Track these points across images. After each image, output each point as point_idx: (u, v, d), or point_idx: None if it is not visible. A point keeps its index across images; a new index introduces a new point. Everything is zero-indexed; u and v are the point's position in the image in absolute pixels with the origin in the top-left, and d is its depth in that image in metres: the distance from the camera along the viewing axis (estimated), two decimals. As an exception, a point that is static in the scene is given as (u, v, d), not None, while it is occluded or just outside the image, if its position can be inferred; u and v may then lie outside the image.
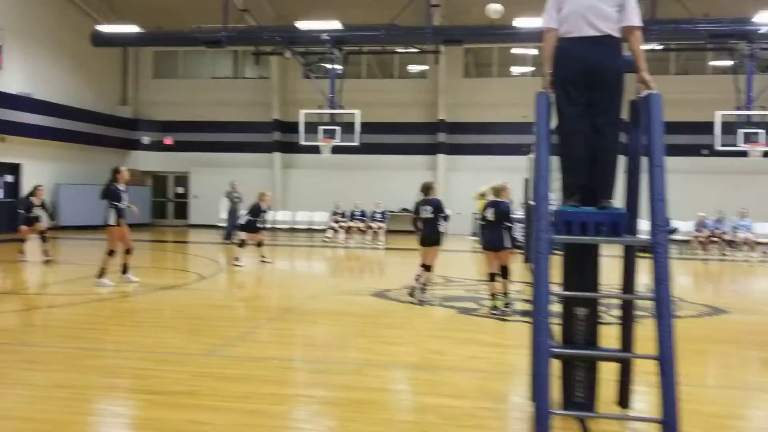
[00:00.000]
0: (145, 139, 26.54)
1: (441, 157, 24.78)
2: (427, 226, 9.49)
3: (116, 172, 10.06)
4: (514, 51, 24.85)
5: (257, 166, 25.69)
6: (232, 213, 19.80)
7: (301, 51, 22.51)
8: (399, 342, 6.86)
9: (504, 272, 8.65)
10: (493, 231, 8.64)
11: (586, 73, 4.19)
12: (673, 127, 21.49)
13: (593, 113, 4.25)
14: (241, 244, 13.63)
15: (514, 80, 25.00)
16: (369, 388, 5.22)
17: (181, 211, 27.04)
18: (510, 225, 8.55)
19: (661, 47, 21.26)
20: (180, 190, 27.27)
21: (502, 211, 8.56)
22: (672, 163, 4.43)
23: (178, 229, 25.27)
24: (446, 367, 5.89)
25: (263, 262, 13.51)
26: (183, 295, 9.85)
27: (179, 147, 26.49)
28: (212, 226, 22.62)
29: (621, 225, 4.15)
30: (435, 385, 5.34)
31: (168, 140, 26.60)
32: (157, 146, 26.61)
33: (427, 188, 9.73)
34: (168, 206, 27.69)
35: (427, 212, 9.50)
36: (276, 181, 25.47)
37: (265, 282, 11.73)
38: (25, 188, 21.78)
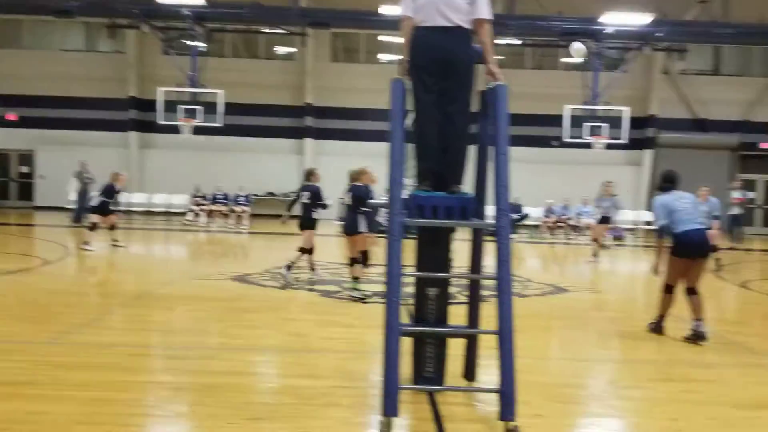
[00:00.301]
0: (-15, 114, 24.23)
1: (308, 142, 24.65)
2: (303, 211, 9.76)
3: None
4: (382, 38, 25.17)
5: (111, 146, 24.23)
6: (82, 194, 18.60)
7: (161, 26, 21.48)
8: (258, 326, 6.81)
9: (362, 257, 8.65)
10: (349, 215, 8.67)
11: (438, 62, 4.34)
12: (527, 119, 22.99)
13: (445, 101, 4.42)
14: (92, 227, 12.81)
15: (381, 67, 25.30)
16: (223, 372, 5.13)
17: (26, 192, 24.99)
18: (366, 210, 8.54)
19: (519, 42, 22.42)
20: (24, 169, 25.17)
21: (357, 195, 8.52)
22: (525, 153, 4.73)
23: (22, 212, 23.38)
24: (304, 349, 5.92)
25: (115, 246, 12.80)
26: (25, 280, 9.16)
27: (24, 123, 24.38)
28: (60, 208, 21.12)
29: (469, 209, 4.36)
30: (292, 366, 5.36)
31: (11, 115, 24.43)
32: (-2, 121, 24.39)
33: (308, 174, 10.08)
34: (10, 187, 25.48)
35: (304, 197, 9.69)
36: (132, 161, 24.17)
37: (117, 267, 11.17)
38: None
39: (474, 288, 4.77)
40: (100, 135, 24.26)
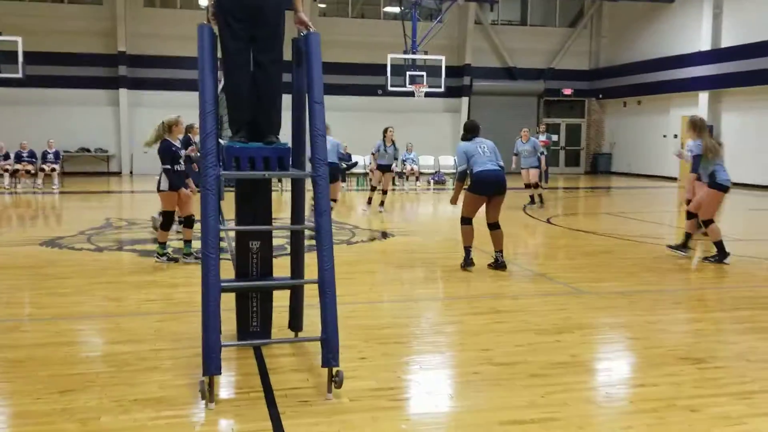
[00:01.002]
0: None
1: (123, 92, 23.04)
2: None
3: None
4: (199, -18, 23.89)
5: None
6: None
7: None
8: (69, 292, 6.35)
9: (163, 219, 7.82)
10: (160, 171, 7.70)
11: (246, 7, 4.16)
12: (353, 68, 23.16)
13: (255, 49, 4.28)
14: None
15: (200, 13, 24.02)
16: (29, 345, 4.76)
17: None
18: (168, 166, 7.55)
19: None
20: None
21: (159, 150, 7.57)
22: (351, 101, 4.71)
23: None
24: (121, 314, 5.64)
25: None
26: None
27: None
28: None
29: (287, 159, 4.31)
30: (107, 333, 5.10)
31: None
32: None
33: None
34: None
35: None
36: None
37: None
38: None
39: (296, 239, 4.77)
40: None
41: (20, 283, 6.81)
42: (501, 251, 7.38)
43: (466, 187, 7.60)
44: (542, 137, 17.73)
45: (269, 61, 4.32)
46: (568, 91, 26.70)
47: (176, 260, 7.74)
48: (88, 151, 23.01)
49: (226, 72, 4.31)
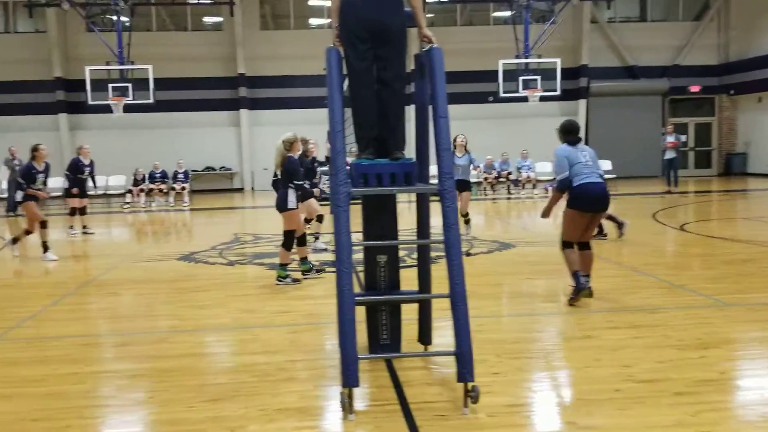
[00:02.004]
0: None
1: (244, 113, 24.22)
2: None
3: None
4: (311, 2, 24.71)
5: (40, 129, 23.21)
6: (14, 183, 17.88)
7: (81, 2, 20.58)
8: (208, 305, 6.73)
9: (286, 238, 7.67)
10: (280, 190, 7.75)
11: (370, 29, 4.29)
12: (461, 76, 23.07)
13: (380, 68, 4.39)
14: (73, 212, 12.53)
15: (312, 32, 24.91)
16: (177, 356, 5.09)
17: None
18: (297, 183, 7.66)
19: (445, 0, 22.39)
20: (-55, 160, 23.98)
21: (288, 168, 7.66)
22: (461, 110, 4.73)
23: None
24: (257, 325, 5.90)
25: (86, 233, 12.42)
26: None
27: (-56, 111, 23.20)
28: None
29: (413, 174, 4.38)
30: (246, 343, 5.34)
31: (-74, 104, 23.15)
32: None
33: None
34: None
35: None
36: (63, 144, 23.30)
37: (58, 255, 10.83)
38: None
39: (423, 253, 4.81)
40: (27, 119, 23.27)
41: (163, 296, 7.29)
42: (588, 276, 6.21)
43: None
44: (670, 138, 16.91)
45: (393, 79, 4.42)
46: (695, 88, 25.23)
47: (298, 281, 7.71)
48: (213, 169, 24.32)
49: (352, 91, 4.44)
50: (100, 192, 21.09)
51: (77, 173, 12.41)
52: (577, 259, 6.21)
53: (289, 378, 4.45)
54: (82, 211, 12.61)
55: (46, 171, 10.16)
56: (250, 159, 23.99)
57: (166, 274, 8.54)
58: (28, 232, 9.92)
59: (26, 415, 3.95)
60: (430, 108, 4.34)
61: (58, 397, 4.26)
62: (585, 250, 6.31)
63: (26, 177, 9.84)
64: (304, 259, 7.98)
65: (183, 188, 19.74)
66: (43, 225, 9.79)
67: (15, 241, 10.08)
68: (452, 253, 3.95)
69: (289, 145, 7.72)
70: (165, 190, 19.85)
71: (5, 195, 18.24)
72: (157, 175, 20.03)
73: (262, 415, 3.82)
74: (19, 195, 10.21)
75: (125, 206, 19.10)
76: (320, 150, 13.43)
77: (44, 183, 10.08)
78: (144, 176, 19.90)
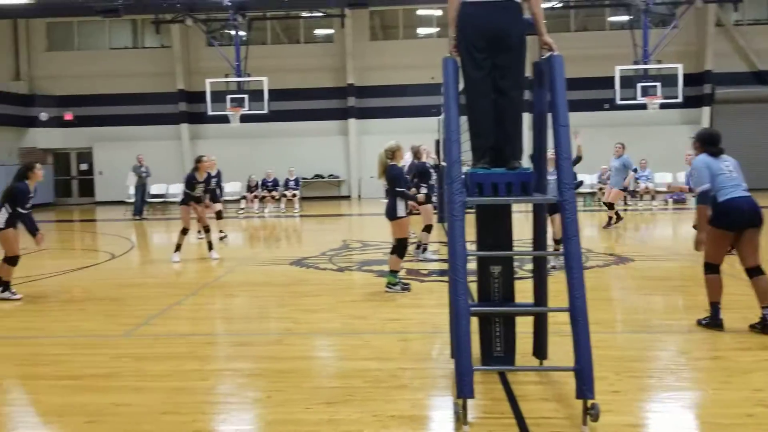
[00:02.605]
0: (43, 115, 25.04)
1: (352, 122, 24.73)
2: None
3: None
4: (420, 12, 24.91)
5: (164, 138, 24.85)
6: (140, 188, 19.16)
7: (203, 18, 21.77)
8: (319, 309, 6.89)
9: (398, 246, 7.60)
10: (389, 198, 7.69)
11: (489, 38, 4.25)
12: (575, 83, 22.28)
13: (498, 76, 4.34)
14: (219, 215, 12.98)
15: (420, 42, 25.10)
16: (292, 357, 5.24)
17: (87, 188, 25.89)
18: (401, 190, 7.56)
19: (560, 5, 21.87)
20: (84, 166, 26.06)
21: (391, 175, 7.60)
22: (575, 118, 4.59)
23: (84, 208, 24.22)
24: (368, 331, 5.97)
25: (221, 238, 12.76)
26: (94, 275, 9.50)
27: (80, 122, 25.23)
28: (120, 202, 21.79)
29: (530, 184, 4.30)
30: (357, 349, 5.41)
31: (68, 115, 25.26)
32: (56, 122, 25.24)
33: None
34: (72, 184, 26.44)
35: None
36: (184, 152, 24.72)
37: (181, 257, 11.46)
38: None
39: (540, 264, 4.71)
40: (152, 129, 24.90)
41: (277, 299, 7.53)
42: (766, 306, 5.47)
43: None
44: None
45: (511, 87, 4.36)
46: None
47: (409, 288, 7.67)
48: (322, 177, 24.97)
49: (469, 100, 4.42)
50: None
51: (192, 189, 12.81)
52: (720, 287, 5.66)
53: (402, 385, 4.47)
54: (218, 215, 13.06)
55: (207, 181, 11.04)
56: (358, 167, 24.46)
57: (280, 278, 8.82)
58: (185, 231, 10.44)
59: (155, 408, 4.19)
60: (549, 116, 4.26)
61: (183, 392, 4.49)
62: (757, 276, 5.52)
63: (187, 185, 10.49)
64: (394, 272, 7.73)
65: (294, 195, 20.37)
66: (184, 231, 10.36)
67: (178, 247, 10.51)
68: (573, 265, 3.84)
69: (391, 153, 7.67)
70: (277, 197, 20.57)
71: (132, 200, 19.49)
72: (270, 183, 20.80)
73: (376, 421, 3.86)
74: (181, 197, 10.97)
75: (240, 212, 19.94)
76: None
77: (204, 192, 10.73)
78: (257, 183, 20.72)
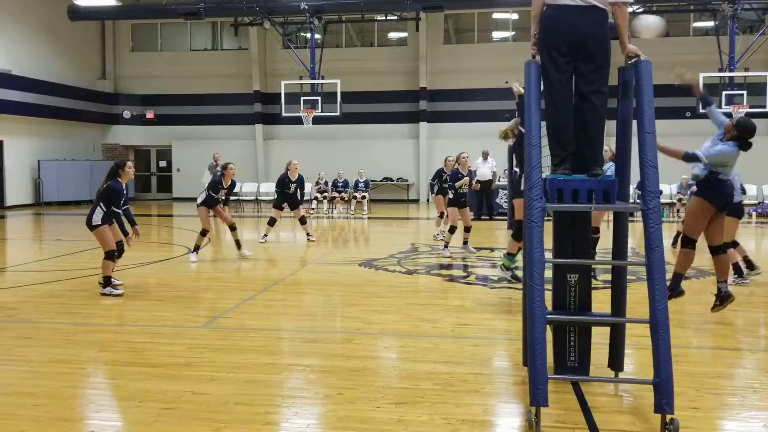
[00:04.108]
0: (126, 114, 26.20)
1: (423, 125, 24.73)
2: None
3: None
4: (495, 16, 24.71)
5: (239, 138, 25.52)
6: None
7: (280, 21, 22.24)
8: (388, 311, 6.93)
9: (518, 228, 7.57)
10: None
11: (572, 42, 4.19)
12: (656, 90, 21.70)
13: (581, 81, 4.28)
14: (272, 221, 12.91)
15: (495, 46, 24.90)
16: (361, 356, 5.29)
17: (165, 184, 26.85)
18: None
19: (641, 10, 21.24)
20: (162, 163, 27.05)
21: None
22: (656, 125, 4.46)
23: (162, 203, 25.11)
24: (437, 335, 5.97)
25: (309, 240, 12.78)
26: (172, 268, 9.84)
27: (160, 120, 26.21)
28: (196, 199, 22.45)
29: (612, 192, 4.21)
30: (427, 352, 5.41)
31: (150, 114, 26.31)
32: (138, 120, 26.33)
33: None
34: (151, 180, 27.48)
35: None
36: (258, 152, 25.32)
37: (254, 254, 11.73)
38: (7, 165, 21.52)
39: (618, 274, 4.60)
40: (228, 129, 25.63)
41: (347, 299, 7.62)
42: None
43: None
44: None
45: (594, 92, 4.29)
46: None
47: (518, 279, 7.62)
48: (391, 180, 25.06)
49: (549, 104, 4.36)
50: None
51: (284, 188, 12.75)
52: (690, 261, 6.43)
53: (472, 390, 4.44)
54: (302, 220, 12.96)
55: (299, 182, 12.08)
56: (427, 171, 24.40)
57: (349, 278, 8.91)
58: (204, 233, 10.61)
59: (230, 398, 4.31)
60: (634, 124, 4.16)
61: (257, 384, 4.61)
62: (718, 254, 6.32)
63: (212, 187, 10.66)
64: (510, 255, 7.86)
65: (363, 197, 20.54)
66: (203, 233, 10.53)
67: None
68: (655, 276, 3.74)
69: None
70: (346, 198, 20.78)
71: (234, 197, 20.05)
72: (340, 184, 21.04)
73: (446, 424, 3.85)
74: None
75: (310, 212, 20.24)
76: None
77: (225, 197, 10.90)
78: (327, 184, 21.00)
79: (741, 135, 5.95)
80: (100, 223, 7.67)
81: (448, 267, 9.74)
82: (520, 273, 7.41)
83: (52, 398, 4.34)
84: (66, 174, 22.74)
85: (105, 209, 7.68)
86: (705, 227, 6.22)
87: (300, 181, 12.78)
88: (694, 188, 6.48)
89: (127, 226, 7.74)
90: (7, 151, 21.37)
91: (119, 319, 6.61)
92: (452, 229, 11.00)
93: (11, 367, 5.05)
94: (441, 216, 12.96)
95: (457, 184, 11.15)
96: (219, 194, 10.72)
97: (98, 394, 4.54)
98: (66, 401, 4.34)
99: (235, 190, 11.73)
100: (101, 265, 7.78)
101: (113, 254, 7.74)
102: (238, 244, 10.77)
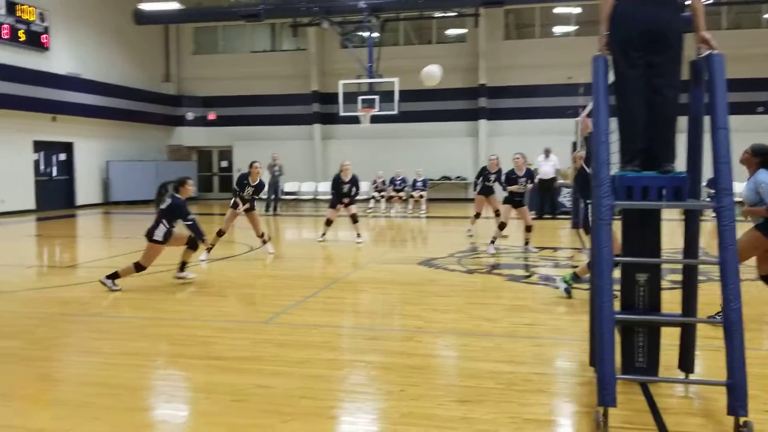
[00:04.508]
0: (189, 115, 26.90)
1: (482, 123, 24.53)
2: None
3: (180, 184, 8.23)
4: (557, 10, 24.30)
5: (297, 138, 25.86)
6: (273, 185, 20.06)
7: (338, 20, 22.42)
8: (449, 310, 6.91)
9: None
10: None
11: (646, 34, 4.09)
12: (732, 84, 21.02)
13: (653, 75, 4.17)
14: (328, 222, 12.89)
15: (556, 40, 24.51)
16: (423, 354, 5.30)
17: (226, 184, 27.41)
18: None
19: (711, 0, 20.55)
20: (224, 164, 27.65)
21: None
22: (732, 121, 4.33)
23: (224, 202, 25.61)
24: (499, 334, 5.92)
25: (357, 242, 12.59)
26: (235, 266, 10.06)
27: (221, 121, 26.81)
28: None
29: (684, 189, 4.09)
30: (489, 351, 5.37)
31: (212, 115, 26.95)
32: (201, 121, 26.99)
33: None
34: (213, 180, 28.13)
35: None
36: (316, 152, 25.60)
37: (312, 253, 11.87)
38: (78, 166, 22.41)
39: (690, 273, 4.46)
40: (287, 129, 26.01)
41: (408, 297, 7.63)
42: None
43: None
44: None
45: (667, 86, 4.18)
46: None
47: (569, 295, 7.30)
48: (449, 178, 24.95)
49: (620, 100, 4.27)
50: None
51: (338, 189, 12.73)
52: None
53: (537, 390, 4.39)
54: (354, 218, 12.86)
55: (353, 182, 12.50)
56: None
57: (408, 277, 8.92)
58: (220, 233, 10.70)
59: (294, 392, 4.38)
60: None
61: (319, 379, 4.67)
62: None
63: (238, 183, 10.67)
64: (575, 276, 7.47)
65: (421, 196, 20.52)
66: (220, 233, 10.57)
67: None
68: (728, 275, 3.63)
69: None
70: (404, 198, 20.80)
71: (264, 196, 20.41)
72: (398, 182, 21.09)
73: (511, 423, 3.82)
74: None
75: (368, 211, 20.35)
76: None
77: (253, 196, 10.64)
78: (385, 183, 21.07)
79: (764, 161, 5.90)
80: (161, 240, 7.90)
81: (510, 267, 9.64)
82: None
83: (125, 389, 4.50)
84: (133, 174, 23.51)
85: (168, 226, 7.91)
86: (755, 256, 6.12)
87: (354, 181, 12.76)
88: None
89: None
90: (78, 152, 22.25)
91: (187, 314, 6.80)
92: (502, 226, 11.18)
93: (87, 358, 5.26)
94: (477, 216, 13.54)
95: (510, 188, 11.14)
96: (245, 192, 10.55)
97: (168, 386, 4.68)
98: (138, 392, 4.50)
99: (265, 190, 11.61)
100: (181, 253, 8.30)
101: (142, 269, 7.93)
102: (264, 242, 10.77)
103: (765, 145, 6.08)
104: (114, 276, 7.87)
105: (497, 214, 12.20)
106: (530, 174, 11.52)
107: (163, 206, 7.95)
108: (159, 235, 7.87)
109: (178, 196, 8.01)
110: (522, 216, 11.23)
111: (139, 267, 7.91)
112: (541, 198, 17.42)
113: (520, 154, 11.50)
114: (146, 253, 7.95)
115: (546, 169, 17.28)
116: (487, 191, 12.92)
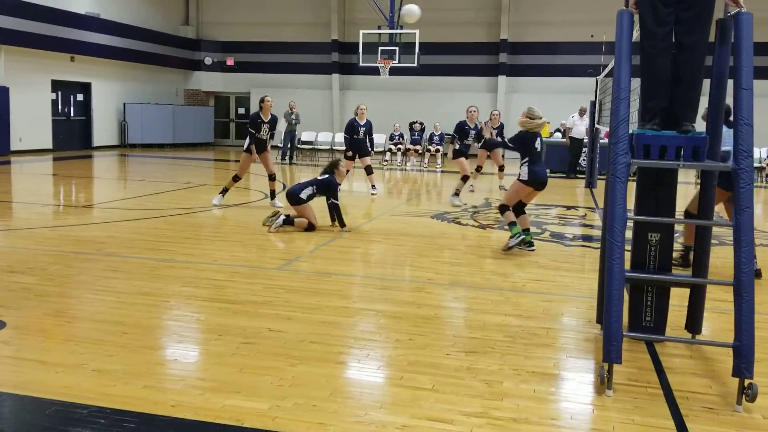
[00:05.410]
0: (208, 60, 26.70)
1: (502, 79, 24.18)
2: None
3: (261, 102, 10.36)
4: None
5: (315, 87, 25.65)
6: (289, 134, 20.01)
7: (361, -33, 21.97)
8: (461, 263, 6.95)
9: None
10: None
11: (678, -9, 3.98)
12: (758, 48, 20.44)
13: (680, 32, 4.08)
14: (369, 170, 12.76)
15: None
16: (432, 305, 5.35)
17: (243, 131, 27.34)
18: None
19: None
20: (241, 110, 27.55)
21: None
22: (756, 86, 4.19)
23: (240, 149, 25.63)
24: (509, 288, 5.96)
25: (372, 193, 12.62)
26: (249, 212, 10.12)
27: (240, 68, 26.60)
28: (272, 147, 22.86)
29: (702, 149, 4.04)
30: (498, 304, 5.42)
31: (230, 61, 26.73)
32: (219, 67, 26.79)
33: None
34: (230, 126, 28.09)
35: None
36: (334, 102, 25.41)
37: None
38: (95, 107, 22.43)
39: (703, 235, 4.44)
40: (306, 78, 25.76)
41: (419, 249, 7.67)
42: None
43: None
44: None
45: (695, 44, 4.09)
46: None
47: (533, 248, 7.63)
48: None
49: (645, 57, 4.18)
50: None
51: (353, 134, 12.39)
52: None
53: (543, 344, 4.44)
54: (368, 170, 12.69)
55: (367, 127, 12.51)
56: (505, 125, 23.97)
57: (421, 229, 8.95)
58: (236, 178, 10.79)
59: (305, 336, 4.46)
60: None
61: (330, 325, 4.74)
62: None
63: (251, 124, 10.58)
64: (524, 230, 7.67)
65: (437, 150, 20.40)
66: (236, 178, 10.61)
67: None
68: (742, 237, 3.60)
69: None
70: (420, 151, 20.70)
71: (281, 144, 20.41)
72: (415, 136, 20.96)
73: (516, 375, 3.88)
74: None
75: (384, 163, 20.30)
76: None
77: (269, 136, 10.70)
78: (402, 135, 20.94)
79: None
80: (305, 200, 8.50)
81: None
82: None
83: (138, 327, 4.60)
84: (150, 117, 23.55)
85: (316, 194, 8.59)
86: None
87: (368, 126, 12.61)
88: None
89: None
90: (95, 93, 22.25)
91: (200, 257, 6.88)
92: (465, 178, 11.76)
93: (101, 296, 5.36)
94: (478, 170, 13.82)
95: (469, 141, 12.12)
96: (261, 132, 10.50)
97: (181, 326, 4.77)
98: (151, 331, 4.60)
99: (278, 128, 11.59)
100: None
101: (313, 228, 8.49)
102: (273, 194, 10.73)
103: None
104: (289, 221, 8.43)
105: (479, 170, 13.37)
106: (478, 129, 11.58)
107: (320, 177, 8.70)
108: (304, 195, 8.48)
109: (333, 177, 8.72)
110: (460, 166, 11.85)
111: (310, 227, 8.45)
112: (571, 157, 17.22)
113: (475, 107, 12.28)
114: (302, 214, 8.53)
115: (580, 128, 16.95)
116: (465, 152, 12.31)
